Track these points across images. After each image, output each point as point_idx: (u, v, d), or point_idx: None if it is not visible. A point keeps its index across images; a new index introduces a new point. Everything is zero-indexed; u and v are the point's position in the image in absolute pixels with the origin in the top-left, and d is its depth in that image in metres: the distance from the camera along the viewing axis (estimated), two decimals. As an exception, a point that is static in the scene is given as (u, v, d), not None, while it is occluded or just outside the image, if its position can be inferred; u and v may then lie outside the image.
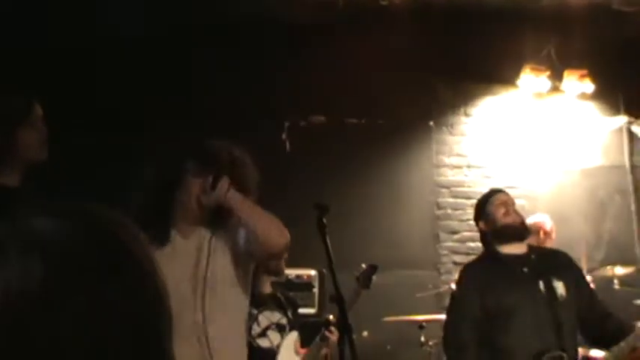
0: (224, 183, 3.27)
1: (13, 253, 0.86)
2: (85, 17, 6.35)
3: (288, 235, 3.33)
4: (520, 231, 4.56)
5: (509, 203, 4.63)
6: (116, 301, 0.87)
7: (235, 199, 3.29)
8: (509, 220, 4.53)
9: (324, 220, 3.27)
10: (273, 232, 3.28)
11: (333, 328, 4.79)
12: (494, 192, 4.78)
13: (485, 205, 4.64)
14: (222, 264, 3.35)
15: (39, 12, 6.31)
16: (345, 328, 3.10)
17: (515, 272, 4.42)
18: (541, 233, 6.35)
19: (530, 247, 4.62)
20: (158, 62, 6.59)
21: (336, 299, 3.12)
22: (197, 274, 3.34)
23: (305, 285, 6.16)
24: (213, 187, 3.25)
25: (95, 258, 0.88)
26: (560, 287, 4.40)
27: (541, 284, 4.37)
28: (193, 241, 3.41)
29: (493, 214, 4.56)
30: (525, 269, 4.44)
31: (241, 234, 3.35)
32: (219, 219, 3.36)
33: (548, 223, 6.40)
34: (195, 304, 3.26)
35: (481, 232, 4.66)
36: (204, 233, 3.40)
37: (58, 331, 0.84)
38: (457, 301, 4.60)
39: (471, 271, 4.61)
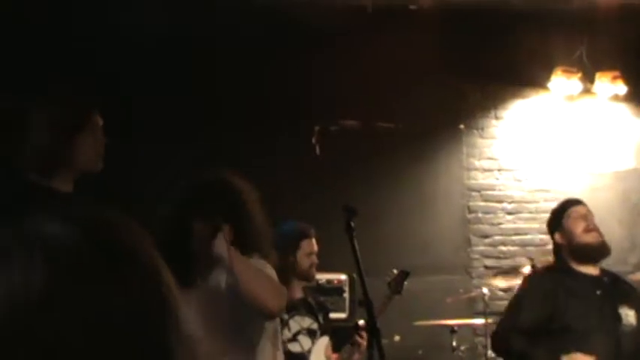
0: (223, 237, 3.20)
1: (17, 257, 0.87)
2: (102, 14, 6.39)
3: (284, 300, 3.28)
4: (601, 253, 4.34)
5: (589, 217, 4.38)
6: (118, 307, 0.87)
7: (233, 256, 3.21)
8: (591, 239, 4.30)
9: (352, 224, 3.25)
10: (268, 297, 3.21)
11: (363, 333, 4.78)
12: (572, 203, 4.52)
13: (563, 217, 4.39)
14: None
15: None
16: (373, 332, 3.10)
17: (589, 294, 4.23)
18: None
19: (602, 270, 4.38)
20: (185, 64, 6.60)
21: (365, 303, 3.12)
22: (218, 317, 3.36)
23: (335, 290, 6.15)
24: (213, 236, 3.20)
25: (99, 262, 0.88)
26: (631, 316, 4.21)
27: (612, 310, 4.19)
28: (211, 282, 3.42)
29: (571, 229, 4.33)
30: (599, 292, 4.25)
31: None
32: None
33: None
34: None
35: (556, 244, 4.42)
36: (219, 274, 3.41)
37: (62, 333, 0.84)
38: (514, 307, 4.41)
39: (539, 281, 4.42)
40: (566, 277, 4.29)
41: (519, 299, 4.41)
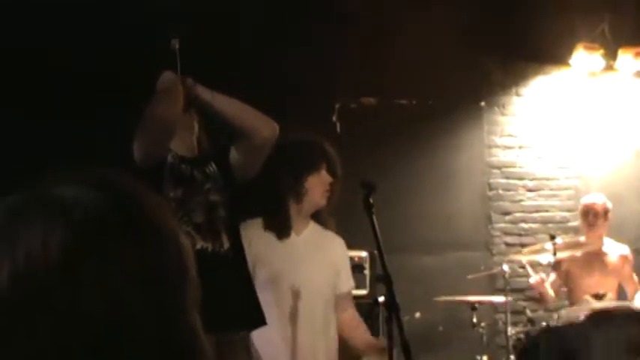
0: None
1: (35, 220, 0.87)
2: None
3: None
4: None
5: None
6: (136, 269, 0.87)
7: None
8: None
9: (371, 200, 3.27)
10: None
11: None
12: None
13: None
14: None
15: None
16: (392, 307, 3.11)
17: None
18: (590, 216, 6.24)
19: None
20: (208, 43, 6.56)
21: (384, 279, 3.13)
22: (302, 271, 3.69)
23: (356, 267, 6.13)
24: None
25: (115, 224, 0.89)
26: None
27: None
28: (304, 238, 3.79)
29: None
30: None
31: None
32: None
33: (601, 203, 6.30)
34: None
35: None
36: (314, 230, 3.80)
37: (78, 296, 0.84)
38: None
39: None
40: None
41: None
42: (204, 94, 3.35)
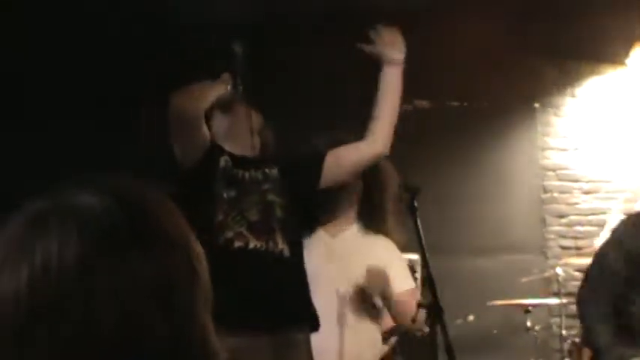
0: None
1: (52, 230, 0.91)
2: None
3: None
4: None
5: None
6: (146, 277, 0.91)
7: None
8: None
9: (416, 203, 3.27)
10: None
11: None
12: None
13: None
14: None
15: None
16: (437, 311, 3.10)
17: None
18: None
19: None
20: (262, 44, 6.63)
21: (428, 282, 3.13)
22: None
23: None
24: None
25: (127, 234, 0.92)
26: None
27: None
28: (341, 242, 3.75)
29: None
30: None
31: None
32: None
33: None
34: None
35: None
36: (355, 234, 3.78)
37: (91, 305, 0.88)
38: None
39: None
40: None
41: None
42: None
